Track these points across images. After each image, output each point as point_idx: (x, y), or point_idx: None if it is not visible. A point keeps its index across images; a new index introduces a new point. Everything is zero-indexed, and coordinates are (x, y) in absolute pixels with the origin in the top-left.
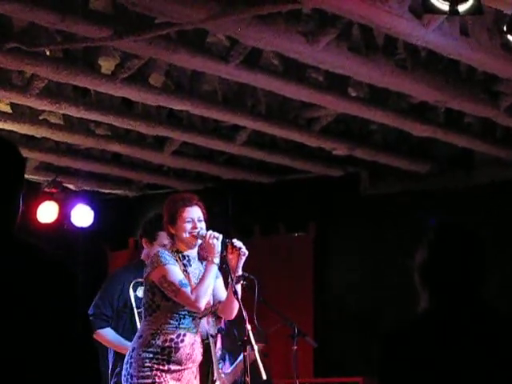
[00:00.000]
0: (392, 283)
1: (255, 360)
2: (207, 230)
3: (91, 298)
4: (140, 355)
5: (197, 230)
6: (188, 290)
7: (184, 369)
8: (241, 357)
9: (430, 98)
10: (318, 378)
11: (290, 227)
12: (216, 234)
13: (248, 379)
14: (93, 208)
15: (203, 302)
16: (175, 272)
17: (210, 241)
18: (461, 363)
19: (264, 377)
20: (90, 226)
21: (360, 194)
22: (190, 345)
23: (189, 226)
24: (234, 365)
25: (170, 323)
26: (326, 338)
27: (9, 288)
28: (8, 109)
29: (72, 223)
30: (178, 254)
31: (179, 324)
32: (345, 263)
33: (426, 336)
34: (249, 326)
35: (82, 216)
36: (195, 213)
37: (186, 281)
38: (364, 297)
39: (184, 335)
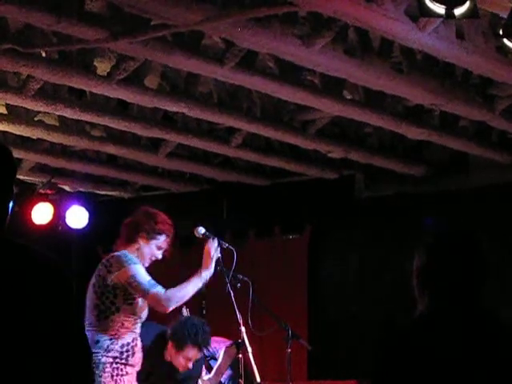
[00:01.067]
0: (387, 285)
1: (245, 361)
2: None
3: (84, 300)
4: (100, 360)
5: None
6: (159, 289)
7: (135, 371)
8: (221, 357)
9: (425, 101)
10: (311, 380)
11: (285, 230)
12: (218, 252)
13: (242, 382)
14: (88, 209)
15: (173, 306)
16: (143, 272)
17: (212, 251)
18: (459, 367)
19: (258, 379)
20: (84, 228)
21: (355, 196)
22: (140, 348)
23: (158, 253)
24: (216, 365)
25: (126, 327)
26: (320, 340)
27: (4, 289)
28: (3, 110)
29: (67, 224)
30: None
31: (134, 328)
32: (340, 266)
33: (424, 340)
34: (243, 328)
35: (77, 217)
36: (167, 245)
37: (153, 281)
38: (359, 299)
39: (136, 339)
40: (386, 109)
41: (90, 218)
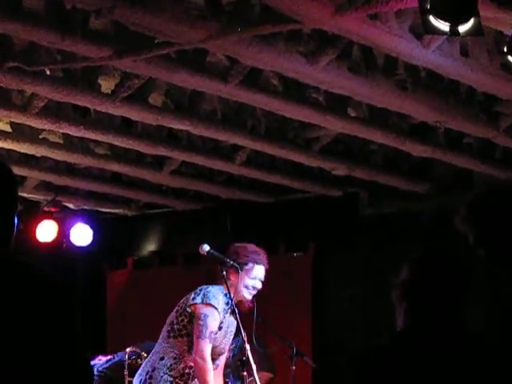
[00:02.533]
0: (391, 303)
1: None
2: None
3: (89, 318)
4: (162, 377)
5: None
6: (208, 347)
7: None
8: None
9: (429, 118)
10: None
11: (289, 247)
12: None
13: None
14: (92, 227)
15: (198, 364)
16: (215, 321)
17: None
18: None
19: None
20: (89, 245)
21: (359, 213)
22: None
23: (254, 283)
24: None
25: (190, 352)
26: (324, 357)
27: (5, 309)
28: (8, 128)
29: (71, 242)
30: (227, 300)
31: None
32: (344, 283)
33: (400, 355)
34: (248, 346)
35: (81, 235)
36: (262, 272)
37: (213, 335)
38: (363, 317)
39: None
40: (391, 126)
41: (94, 236)
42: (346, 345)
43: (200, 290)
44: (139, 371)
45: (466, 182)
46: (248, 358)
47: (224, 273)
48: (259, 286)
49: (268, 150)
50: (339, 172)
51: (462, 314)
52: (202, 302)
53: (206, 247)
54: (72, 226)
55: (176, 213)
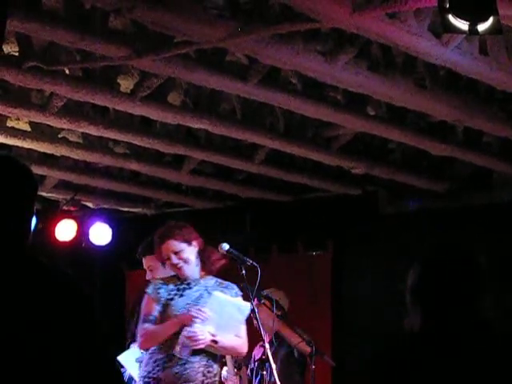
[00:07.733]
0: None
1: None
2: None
3: (108, 317)
4: None
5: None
6: (146, 325)
7: None
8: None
9: (448, 116)
10: None
11: (308, 246)
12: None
13: None
14: (111, 226)
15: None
16: (145, 305)
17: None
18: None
19: None
20: (108, 245)
21: (378, 212)
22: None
23: (167, 265)
24: None
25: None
26: (344, 356)
27: (23, 309)
28: (27, 127)
29: (90, 241)
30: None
31: None
32: (363, 282)
33: (417, 357)
34: (267, 345)
35: (100, 234)
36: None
37: (152, 317)
38: (383, 315)
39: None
40: (409, 125)
41: (113, 235)
42: (366, 342)
43: None
44: None
45: (485, 181)
46: (268, 357)
47: (243, 272)
48: (175, 261)
49: (287, 149)
50: (358, 171)
51: (481, 314)
52: None
53: (226, 246)
54: (91, 225)
55: (195, 212)
